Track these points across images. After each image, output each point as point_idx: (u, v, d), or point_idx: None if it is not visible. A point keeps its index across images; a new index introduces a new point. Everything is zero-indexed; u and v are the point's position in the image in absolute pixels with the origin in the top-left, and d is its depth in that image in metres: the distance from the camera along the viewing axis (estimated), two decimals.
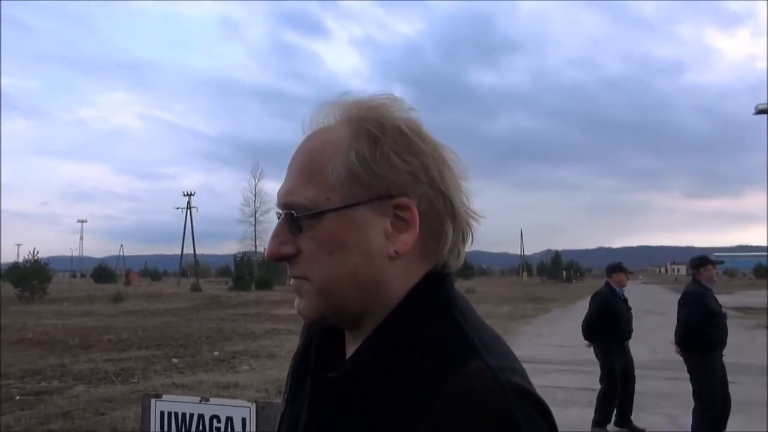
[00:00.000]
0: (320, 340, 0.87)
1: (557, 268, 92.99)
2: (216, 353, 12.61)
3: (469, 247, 0.84)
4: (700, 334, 5.29)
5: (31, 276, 34.64)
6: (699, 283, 5.57)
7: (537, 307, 26.51)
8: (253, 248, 62.65)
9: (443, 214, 0.78)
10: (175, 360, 11.76)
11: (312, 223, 0.76)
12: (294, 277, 0.80)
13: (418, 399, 0.70)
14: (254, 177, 66.19)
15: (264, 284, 47.50)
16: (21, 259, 38.43)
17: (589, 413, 6.73)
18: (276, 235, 0.80)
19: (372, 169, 0.76)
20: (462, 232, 0.81)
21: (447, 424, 0.67)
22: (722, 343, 5.38)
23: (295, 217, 0.77)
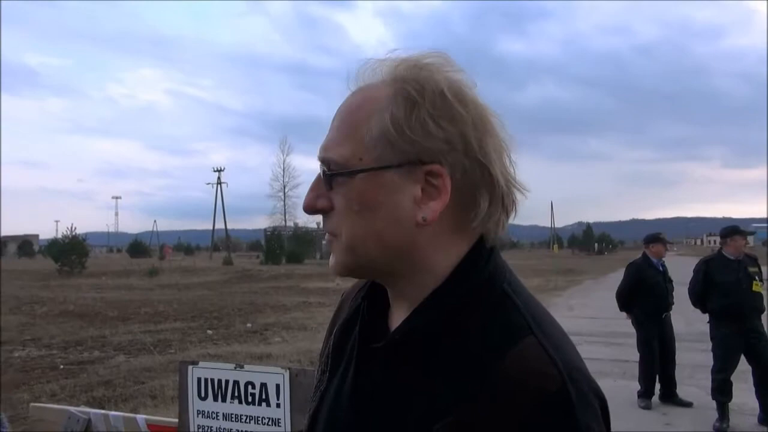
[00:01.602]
0: (365, 312, 0.86)
1: (589, 241, 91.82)
2: (249, 325, 12.87)
3: (512, 220, 0.81)
4: (704, 302, 5.77)
5: (70, 251, 35.70)
6: (719, 253, 5.87)
7: (568, 280, 26.29)
8: (283, 222, 63.38)
9: (479, 184, 0.76)
10: (209, 332, 12.05)
11: (344, 181, 0.76)
12: (327, 232, 0.80)
13: (467, 373, 0.69)
14: (282, 152, 66.59)
15: (294, 258, 48.08)
16: (60, 235, 39.65)
17: (623, 384, 6.69)
18: (313, 188, 0.80)
19: (405, 134, 0.74)
20: (502, 204, 0.78)
21: (498, 400, 0.66)
22: (732, 312, 5.53)
23: (329, 173, 0.77)
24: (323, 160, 0.78)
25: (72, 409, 2.78)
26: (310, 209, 0.80)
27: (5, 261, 56.81)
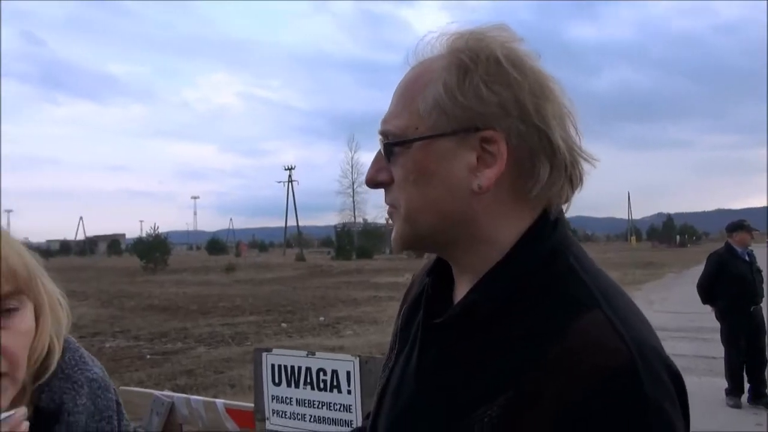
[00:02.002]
0: (431, 289, 0.86)
1: (670, 233, 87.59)
2: (321, 319, 13.15)
3: (579, 190, 0.78)
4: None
5: (154, 249, 37.73)
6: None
7: (647, 273, 25.17)
8: (353, 219, 64.23)
9: (537, 151, 0.73)
10: (284, 324, 12.41)
11: (401, 151, 0.76)
12: (387, 204, 0.81)
13: (529, 348, 0.68)
14: (350, 149, 67.29)
15: (364, 253, 48.66)
16: (144, 234, 41.95)
17: (709, 381, 6.34)
18: (374, 162, 0.81)
19: (458, 100, 0.73)
20: (565, 172, 0.75)
21: (561, 375, 0.64)
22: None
23: (387, 144, 0.77)
24: (383, 133, 0.79)
25: (157, 392, 2.93)
26: (371, 182, 0.81)
27: (96, 259, 60.68)
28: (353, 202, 64.65)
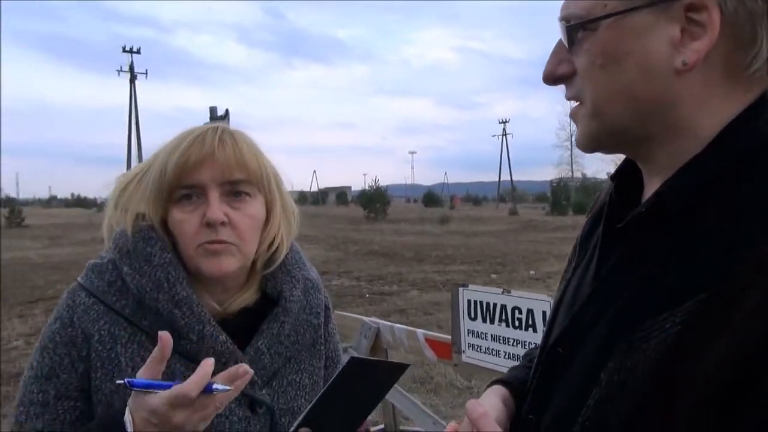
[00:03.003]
0: (615, 194, 0.78)
1: None
2: (532, 272, 12.94)
3: None
4: None
5: (375, 200, 40.50)
6: None
7: None
8: (570, 173, 61.18)
9: (759, 14, 0.60)
10: (493, 276, 12.50)
11: (586, 35, 0.67)
12: (569, 99, 0.72)
13: (724, 250, 0.59)
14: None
15: (581, 209, 46.13)
16: (367, 187, 45.23)
17: None
18: (553, 53, 0.72)
19: None
20: None
21: (759, 281, 0.54)
22: None
23: (570, 27, 0.68)
24: (564, 18, 0.69)
25: (365, 318, 3.20)
26: (550, 78, 0.72)
27: (327, 208, 67.37)
28: (571, 155, 61.40)
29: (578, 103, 0.71)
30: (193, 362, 0.92)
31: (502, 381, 0.92)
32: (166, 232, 1.01)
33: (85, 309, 0.98)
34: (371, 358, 0.85)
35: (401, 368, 0.90)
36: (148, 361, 0.82)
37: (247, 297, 1.05)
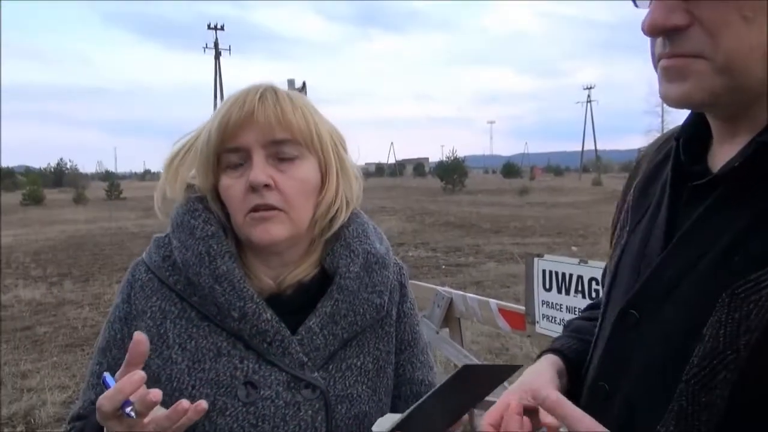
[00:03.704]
0: (681, 151, 0.73)
1: None
2: None
3: None
4: None
5: (452, 171, 40.18)
6: None
7: None
8: None
9: None
10: (574, 248, 12.11)
11: None
12: (676, 56, 0.64)
13: None
14: None
15: None
16: (444, 158, 44.84)
17: None
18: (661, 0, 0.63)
19: None
20: None
21: None
22: None
23: None
24: None
25: (439, 288, 3.20)
26: (658, 29, 0.64)
27: (404, 180, 67.54)
28: (662, 122, 57.76)
29: (692, 57, 0.63)
30: (240, 341, 0.91)
31: (554, 350, 0.89)
32: (220, 202, 0.97)
33: (142, 285, 0.96)
34: (484, 363, 0.78)
35: (512, 369, 0.82)
36: (123, 364, 0.75)
37: (302, 271, 0.97)
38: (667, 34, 0.64)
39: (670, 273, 0.68)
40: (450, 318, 3.05)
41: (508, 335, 5.36)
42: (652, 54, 0.68)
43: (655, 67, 0.67)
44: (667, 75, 0.65)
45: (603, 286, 0.90)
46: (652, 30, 0.64)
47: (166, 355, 0.92)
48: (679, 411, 0.62)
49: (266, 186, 0.90)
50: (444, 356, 3.56)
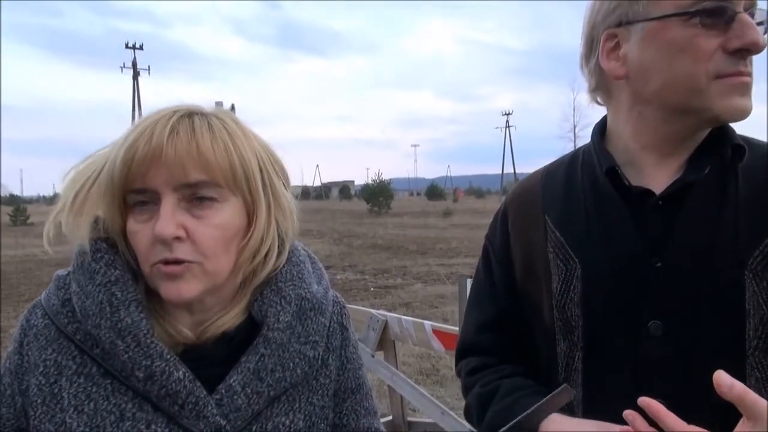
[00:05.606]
0: (617, 181, 0.84)
1: None
2: None
3: None
4: None
5: (378, 194, 40.50)
6: None
7: None
8: None
9: None
10: None
11: None
12: (750, 75, 0.75)
13: None
14: (573, 90, 63.38)
15: None
16: (370, 181, 45.21)
17: None
18: (755, 23, 0.74)
19: None
20: None
21: None
22: None
23: None
24: None
25: (374, 311, 3.22)
26: (760, 49, 0.75)
27: (330, 203, 67.44)
28: (574, 146, 60.69)
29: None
30: (148, 401, 0.79)
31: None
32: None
33: (36, 333, 0.83)
34: (539, 407, 0.76)
35: (565, 393, 0.78)
36: None
37: (226, 321, 0.84)
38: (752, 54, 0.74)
39: (686, 271, 0.76)
40: (385, 340, 3.07)
41: (438, 356, 5.43)
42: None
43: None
44: (747, 90, 0.74)
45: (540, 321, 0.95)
46: (760, 49, 0.73)
47: (59, 419, 0.78)
48: (757, 383, 0.71)
49: (177, 238, 0.77)
50: (377, 378, 3.56)
